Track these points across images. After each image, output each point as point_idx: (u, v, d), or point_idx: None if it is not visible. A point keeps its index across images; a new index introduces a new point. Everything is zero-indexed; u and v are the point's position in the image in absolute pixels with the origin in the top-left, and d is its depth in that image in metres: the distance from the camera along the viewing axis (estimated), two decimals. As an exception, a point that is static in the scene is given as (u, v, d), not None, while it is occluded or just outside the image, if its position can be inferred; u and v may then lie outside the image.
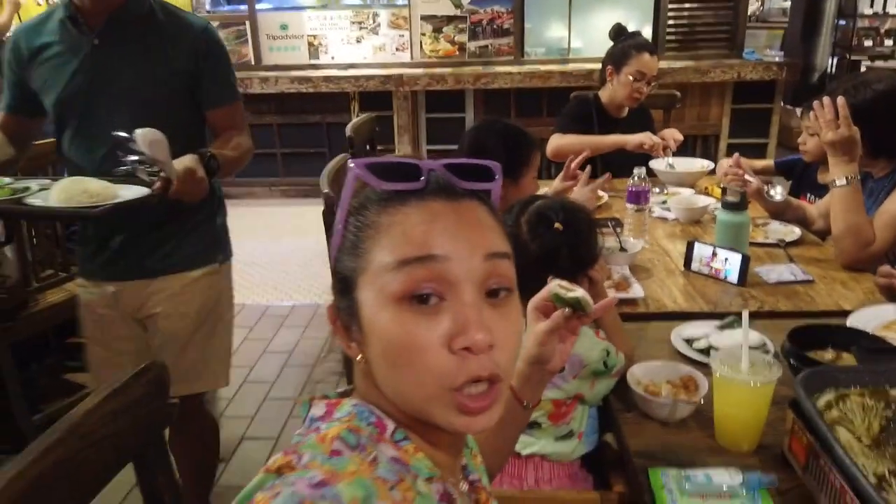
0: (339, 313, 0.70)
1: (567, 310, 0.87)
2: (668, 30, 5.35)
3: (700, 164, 2.65)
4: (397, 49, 5.58)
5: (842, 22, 7.34)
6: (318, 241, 1.92)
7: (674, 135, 2.64)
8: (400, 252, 0.64)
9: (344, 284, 0.68)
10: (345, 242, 0.69)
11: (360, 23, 5.55)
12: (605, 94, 2.84)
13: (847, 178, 1.74)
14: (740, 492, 0.98)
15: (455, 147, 2.10)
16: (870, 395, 1.01)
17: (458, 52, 5.60)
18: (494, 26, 5.53)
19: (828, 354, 1.26)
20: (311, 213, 2.18)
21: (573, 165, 2.21)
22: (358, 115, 4.34)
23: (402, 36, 5.55)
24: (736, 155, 2.17)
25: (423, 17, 5.51)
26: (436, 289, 0.63)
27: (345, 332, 0.70)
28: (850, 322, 1.40)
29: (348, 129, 2.68)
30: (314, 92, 5.24)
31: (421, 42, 5.53)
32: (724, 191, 1.86)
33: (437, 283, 0.63)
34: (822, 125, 1.72)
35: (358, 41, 5.58)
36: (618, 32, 2.89)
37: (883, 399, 1.00)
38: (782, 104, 5.59)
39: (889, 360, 1.09)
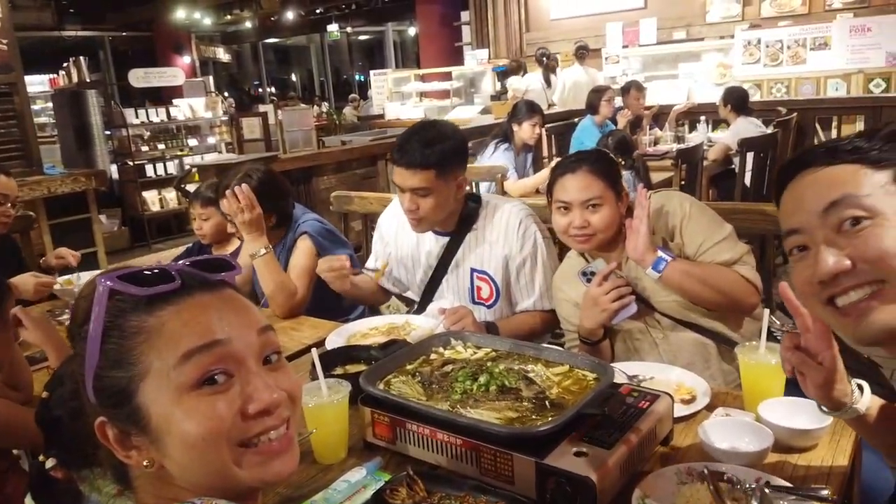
0: (111, 427, 0.71)
1: None
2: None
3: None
4: None
5: (108, 132, 7.99)
6: None
7: (71, 252, 2.59)
8: (183, 345, 0.69)
9: (117, 397, 0.69)
10: (107, 358, 0.69)
11: None
12: (-42, 226, 2.50)
13: (264, 248, 2.16)
14: (369, 480, 1.25)
15: None
16: (399, 373, 1.43)
17: None
18: None
19: (339, 370, 1.64)
20: None
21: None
22: None
23: None
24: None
25: None
26: (224, 369, 0.71)
27: (121, 444, 0.71)
28: (329, 344, 1.82)
29: None
30: None
31: None
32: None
33: (224, 364, 0.71)
34: (236, 211, 2.09)
35: None
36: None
37: (407, 373, 1.43)
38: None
39: (392, 350, 1.55)
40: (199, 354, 0.69)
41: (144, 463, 0.70)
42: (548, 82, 7.54)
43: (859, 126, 5.95)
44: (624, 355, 1.82)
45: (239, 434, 0.71)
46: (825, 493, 1.08)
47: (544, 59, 7.73)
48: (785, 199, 0.96)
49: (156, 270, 0.73)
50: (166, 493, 0.71)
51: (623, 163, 3.53)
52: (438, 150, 1.87)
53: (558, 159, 4.01)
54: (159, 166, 7.76)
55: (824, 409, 1.07)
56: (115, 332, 0.69)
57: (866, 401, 1.06)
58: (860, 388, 1.07)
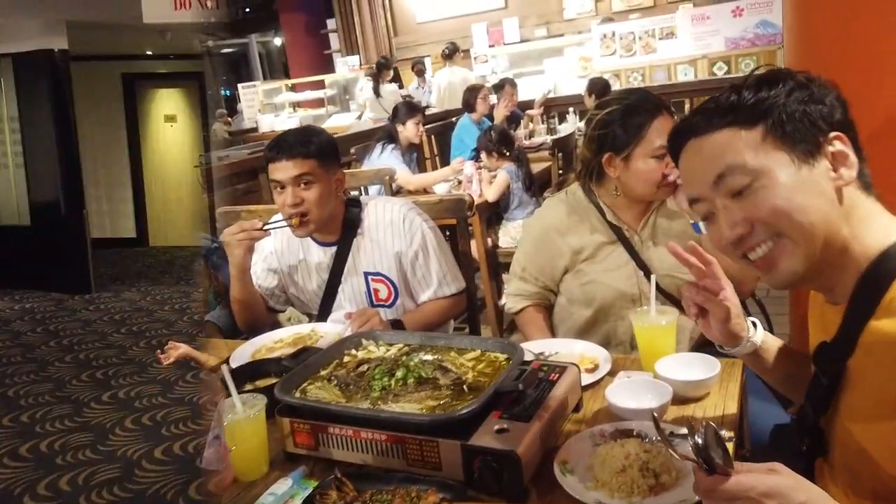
0: None
1: None
2: None
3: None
4: None
5: None
6: None
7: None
8: None
9: None
10: None
11: None
12: None
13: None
14: (296, 489, 1.23)
15: None
16: (314, 380, 1.42)
17: None
18: None
19: (249, 386, 1.59)
20: None
21: None
22: None
23: None
24: None
25: None
26: None
27: None
28: (233, 363, 1.77)
29: None
30: None
31: None
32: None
33: None
34: None
35: None
36: None
37: (322, 378, 1.42)
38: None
39: (303, 358, 1.52)
40: None
41: None
42: (400, 86, 7.70)
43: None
44: (603, 321, 1.85)
45: None
46: (723, 432, 1.18)
47: (388, 66, 7.90)
48: (682, 168, 1.06)
49: None
50: None
51: (507, 154, 3.67)
52: (316, 141, 1.94)
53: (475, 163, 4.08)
54: None
55: (724, 347, 1.20)
56: None
57: (760, 335, 1.20)
58: (754, 324, 1.21)
